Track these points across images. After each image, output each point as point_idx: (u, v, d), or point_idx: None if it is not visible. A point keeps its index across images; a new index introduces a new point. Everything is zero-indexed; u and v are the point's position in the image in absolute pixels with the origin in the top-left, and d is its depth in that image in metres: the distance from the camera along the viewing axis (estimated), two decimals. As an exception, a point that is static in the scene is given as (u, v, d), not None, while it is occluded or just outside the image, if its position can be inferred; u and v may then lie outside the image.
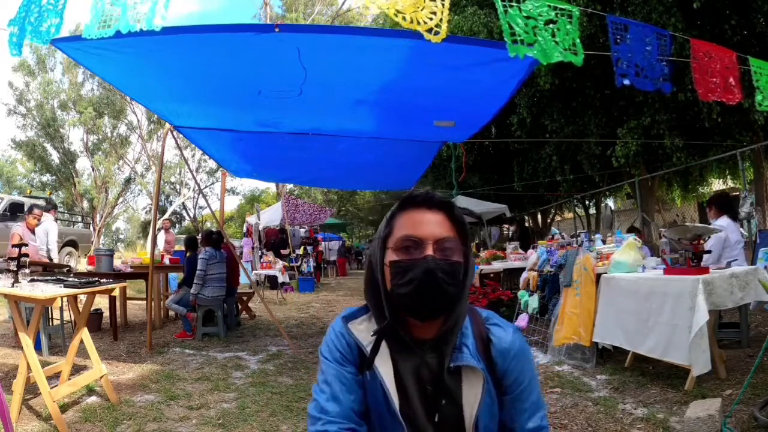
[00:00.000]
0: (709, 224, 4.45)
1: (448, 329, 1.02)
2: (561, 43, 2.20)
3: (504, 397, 1.06)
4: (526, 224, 17.36)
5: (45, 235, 5.98)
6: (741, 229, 4.39)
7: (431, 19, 2.04)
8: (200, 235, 6.67)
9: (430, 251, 0.99)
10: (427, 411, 1.03)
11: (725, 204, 4.56)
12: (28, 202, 11.97)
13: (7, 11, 26.60)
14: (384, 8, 2.05)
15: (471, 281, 1.06)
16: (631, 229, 6.39)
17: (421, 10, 2.03)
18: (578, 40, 2.23)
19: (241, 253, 12.02)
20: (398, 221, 1.05)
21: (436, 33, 2.05)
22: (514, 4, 2.13)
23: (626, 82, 2.39)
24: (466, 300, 1.05)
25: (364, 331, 1.07)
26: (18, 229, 5.63)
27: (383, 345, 1.04)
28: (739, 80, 2.66)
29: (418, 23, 2.04)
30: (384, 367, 1.03)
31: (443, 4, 2.04)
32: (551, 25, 2.20)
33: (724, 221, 4.34)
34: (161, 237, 9.56)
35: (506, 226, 16.33)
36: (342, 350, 1.08)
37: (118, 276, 6.09)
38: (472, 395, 1.01)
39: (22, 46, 2.28)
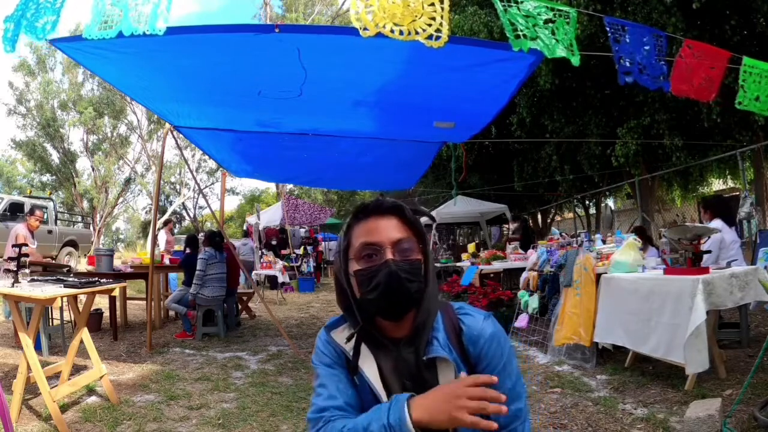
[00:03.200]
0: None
1: (420, 325, 1.06)
2: (561, 41, 2.19)
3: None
4: (530, 222, 17.28)
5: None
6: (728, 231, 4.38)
7: (430, 25, 2.01)
8: (202, 234, 6.63)
9: (389, 255, 1.04)
10: None
11: (718, 207, 4.57)
12: (28, 202, 11.98)
13: (6, 10, 26.59)
14: (380, 28, 2.00)
15: (434, 276, 1.10)
16: (636, 230, 6.38)
17: (419, 18, 2.00)
18: (575, 42, 2.23)
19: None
20: (355, 232, 1.10)
21: (437, 38, 2.02)
22: (512, 3, 2.12)
23: (629, 79, 2.39)
24: (434, 295, 1.10)
25: (345, 338, 1.12)
26: (21, 230, 5.63)
27: (365, 347, 1.09)
28: (720, 79, 2.67)
29: (417, 33, 2.01)
30: (369, 367, 1.07)
31: (443, 8, 2.00)
32: (550, 24, 2.20)
33: (717, 223, 4.34)
34: (162, 236, 9.59)
35: (506, 226, 16.32)
36: (330, 356, 1.13)
37: (118, 276, 6.09)
38: None
39: (17, 42, 2.26)
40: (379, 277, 1.03)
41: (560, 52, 2.18)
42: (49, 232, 12.05)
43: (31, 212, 5.78)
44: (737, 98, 2.72)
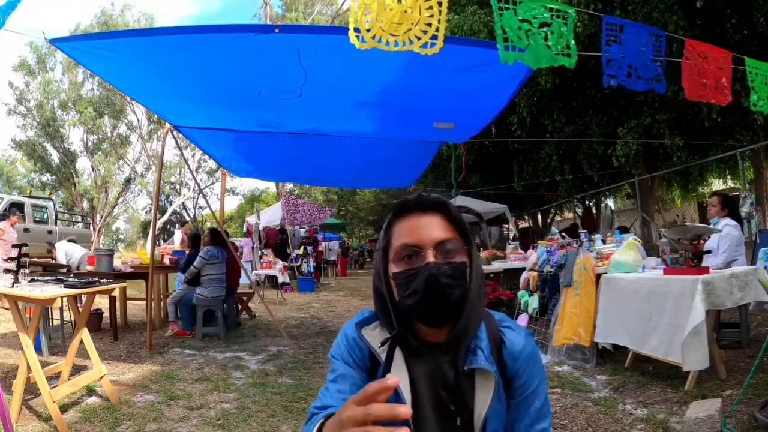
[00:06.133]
0: (709, 224, 4.45)
1: (460, 332, 1.00)
2: (553, 46, 2.16)
3: (510, 401, 1.05)
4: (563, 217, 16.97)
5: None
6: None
7: (425, 32, 1.99)
8: (207, 232, 6.58)
9: (431, 257, 0.96)
10: (438, 416, 1.02)
11: (733, 205, 4.56)
12: (28, 202, 12.00)
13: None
14: (376, 41, 1.99)
15: (479, 280, 1.02)
16: (625, 229, 6.40)
17: (415, 25, 1.98)
18: (572, 42, 2.19)
19: (242, 253, 12.03)
20: (395, 230, 1.03)
21: (432, 45, 2.00)
22: (510, 6, 2.10)
23: (613, 83, 2.38)
24: (479, 300, 1.02)
25: (377, 336, 1.06)
26: (4, 224, 5.73)
27: (398, 352, 1.03)
28: (730, 81, 2.65)
29: (411, 42, 1.99)
30: (400, 374, 1.01)
31: (440, 11, 1.98)
32: (545, 28, 2.16)
33: (730, 221, 4.32)
34: (178, 234, 9.80)
35: (506, 225, 16.32)
36: (354, 356, 1.07)
37: (118, 276, 6.09)
38: (483, 398, 1.00)
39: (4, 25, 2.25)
40: (418, 281, 0.96)
41: (547, 62, 2.15)
42: (49, 231, 12.06)
43: (13, 213, 7.15)
44: (750, 100, 2.68)
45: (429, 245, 0.97)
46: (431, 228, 0.99)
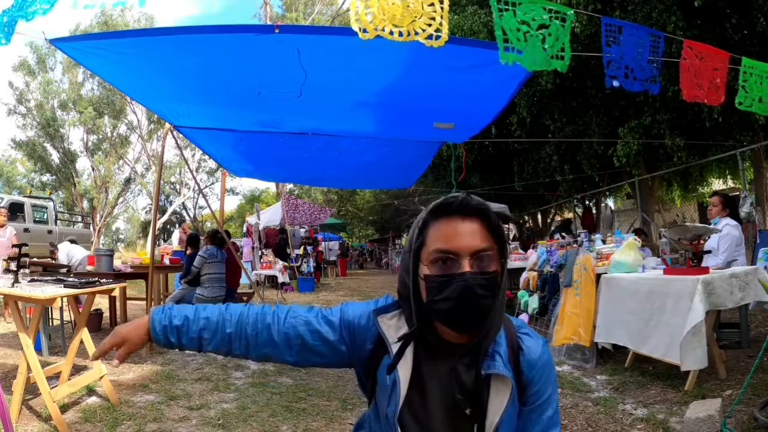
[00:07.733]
0: (709, 224, 4.45)
1: (483, 337, 0.99)
2: (549, 49, 2.16)
3: (523, 408, 1.04)
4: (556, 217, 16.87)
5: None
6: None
7: (430, 25, 2.00)
8: (207, 234, 6.62)
9: (466, 266, 0.95)
10: (449, 418, 1.01)
11: (733, 205, 4.56)
12: (28, 202, 12.00)
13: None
14: (379, 31, 1.99)
15: (505, 288, 1.01)
16: (636, 231, 6.41)
17: (419, 18, 1.99)
18: (567, 45, 2.19)
19: (242, 254, 12.03)
20: (431, 231, 1.00)
21: (437, 38, 2.01)
22: (509, 7, 2.10)
23: (615, 84, 2.38)
24: (503, 306, 1.02)
25: (392, 327, 1.05)
26: None
27: (408, 349, 1.03)
28: (725, 81, 2.66)
29: (416, 33, 1.99)
30: (403, 371, 1.01)
31: (442, 7, 1.99)
32: (543, 30, 2.16)
33: (730, 221, 4.32)
34: (176, 234, 9.81)
35: (506, 226, 16.32)
36: (357, 330, 1.10)
37: (118, 276, 6.08)
38: (498, 403, 0.99)
39: (12, 35, 2.25)
40: (451, 289, 0.95)
41: (541, 65, 2.15)
42: (49, 232, 12.06)
43: None
44: (737, 98, 2.70)
45: (466, 254, 0.95)
46: (470, 236, 0.96)
